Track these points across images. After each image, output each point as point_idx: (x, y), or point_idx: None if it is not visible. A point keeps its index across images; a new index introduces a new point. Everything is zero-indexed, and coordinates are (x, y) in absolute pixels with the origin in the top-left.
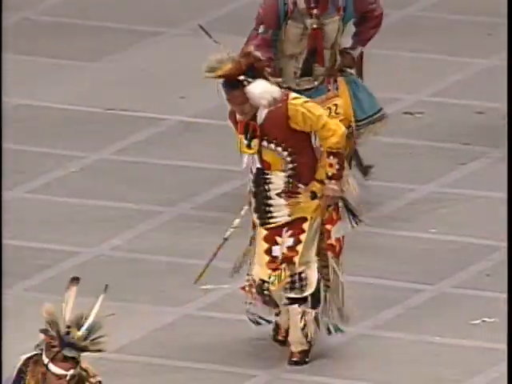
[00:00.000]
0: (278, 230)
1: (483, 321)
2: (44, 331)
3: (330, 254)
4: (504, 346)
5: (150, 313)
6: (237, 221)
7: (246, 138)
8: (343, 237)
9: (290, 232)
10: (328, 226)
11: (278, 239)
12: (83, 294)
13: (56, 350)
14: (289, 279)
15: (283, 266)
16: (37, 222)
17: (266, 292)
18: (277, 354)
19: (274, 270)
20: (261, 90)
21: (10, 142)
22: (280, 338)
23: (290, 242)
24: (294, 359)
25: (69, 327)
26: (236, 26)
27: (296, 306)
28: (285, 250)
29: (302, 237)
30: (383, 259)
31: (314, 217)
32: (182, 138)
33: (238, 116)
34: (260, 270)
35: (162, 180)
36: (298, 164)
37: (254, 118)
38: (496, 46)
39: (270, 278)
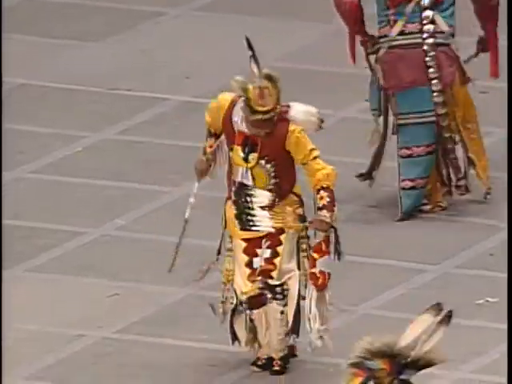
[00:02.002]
0: (257, 242)
1: (487, 301)
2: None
3: (310, 282)
4: (506, 326)
5: (154, 293)
6: (191, 200)
7: (243, 151)
8: (329, 273)
9: (268, 243)
10: (315, 255)
11: (258, 251)
12: (87, 274)
13: (391, 377)
14: (270, 292)
15: (259, 278)
16: (40, 202)
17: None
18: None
19: (253, 282)
20: (303, 113)
21: (13, 122)
22: (260, 363)
23: (268, 253)
24: (276, 368)
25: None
26: (237, 5)
27: (275, 305)
28: (262, 262)
29: (280, 249)
30: (386, 239)
31: (290, 228)
32: (187, 119)
33: (239, 127)
34: (242, 283)
35: (167, 160)
36: (281, 181)
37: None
38: (500, 26)
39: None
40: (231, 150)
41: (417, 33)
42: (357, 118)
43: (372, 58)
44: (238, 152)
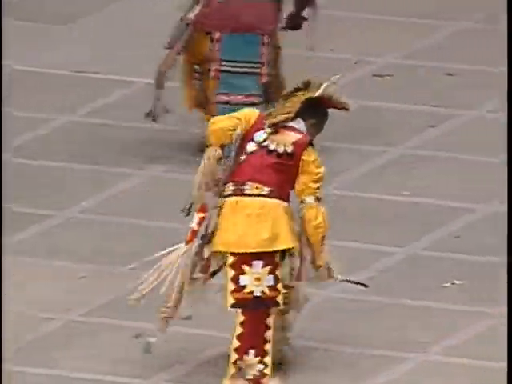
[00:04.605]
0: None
1: (453, 283)
2: None
3: None
4: (474, 309)
5: (121, 275)
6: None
7: None
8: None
9: (267, 268)
10: None
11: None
12: (55, 257)
13: None
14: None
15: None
16: (8, 185)
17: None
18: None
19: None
20: None
21: None
22: None
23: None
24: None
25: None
26: None
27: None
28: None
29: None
30: (353, 222)
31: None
32: (152, 101)
33: None
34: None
35: (133, 142)
36: None
37: None
38: (468, 9)
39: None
40: None
41: None
42: None
43: None
44: None
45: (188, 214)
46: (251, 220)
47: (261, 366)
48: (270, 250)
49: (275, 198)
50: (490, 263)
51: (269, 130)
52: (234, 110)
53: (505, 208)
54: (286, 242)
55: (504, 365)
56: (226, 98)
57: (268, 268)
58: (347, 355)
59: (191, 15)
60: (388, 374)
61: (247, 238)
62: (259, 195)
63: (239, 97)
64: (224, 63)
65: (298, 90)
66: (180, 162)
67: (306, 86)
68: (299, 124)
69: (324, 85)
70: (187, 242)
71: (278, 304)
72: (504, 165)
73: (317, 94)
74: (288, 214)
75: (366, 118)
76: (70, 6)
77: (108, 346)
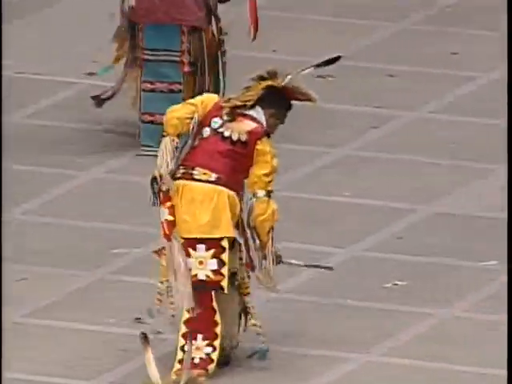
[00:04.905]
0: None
1: (395, 284)
2: None
3: None
4: (416, 309)
5: (62, 277)
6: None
7: None
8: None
9: (211, 252)
10: None
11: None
12: None
13: None
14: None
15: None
16: None
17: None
18: None
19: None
20: None
21: None
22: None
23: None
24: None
25: None
26: None
27: None
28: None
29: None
30: (295, 222)
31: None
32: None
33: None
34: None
35: (75, 144)
36: None
37: None
38: (407, 9)
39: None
40: None
41: None
42: None
43: None
44: None
45: (156, 204)
46: (194, 205)
47: (209, 349)
48: (210, 236)
49: (222, 185)
50: (432, 264)
51: (226, 116)
52: (159, 97)
53: (446, 209)
54: (226, 230)
55: (445, 365)
56: (151, 86)
57: (211, 252)
58: (291, 355)
59: (126, 7)
60: (331, 374)
61: (188, 224)
62: (207, 181)
63: (164, 84)
64: (147, 52)
65: (262, 78)
66: (122, 164)
67: (272, 75)
68: (258, 114)
69: (290, 75)
70: (167, 236)
71: (222, 288)
72: (446, 167)
73: (282, 83)
74: (233, 203)
75: (309, 118)
76: (8, 8)
77: (50, 347)
